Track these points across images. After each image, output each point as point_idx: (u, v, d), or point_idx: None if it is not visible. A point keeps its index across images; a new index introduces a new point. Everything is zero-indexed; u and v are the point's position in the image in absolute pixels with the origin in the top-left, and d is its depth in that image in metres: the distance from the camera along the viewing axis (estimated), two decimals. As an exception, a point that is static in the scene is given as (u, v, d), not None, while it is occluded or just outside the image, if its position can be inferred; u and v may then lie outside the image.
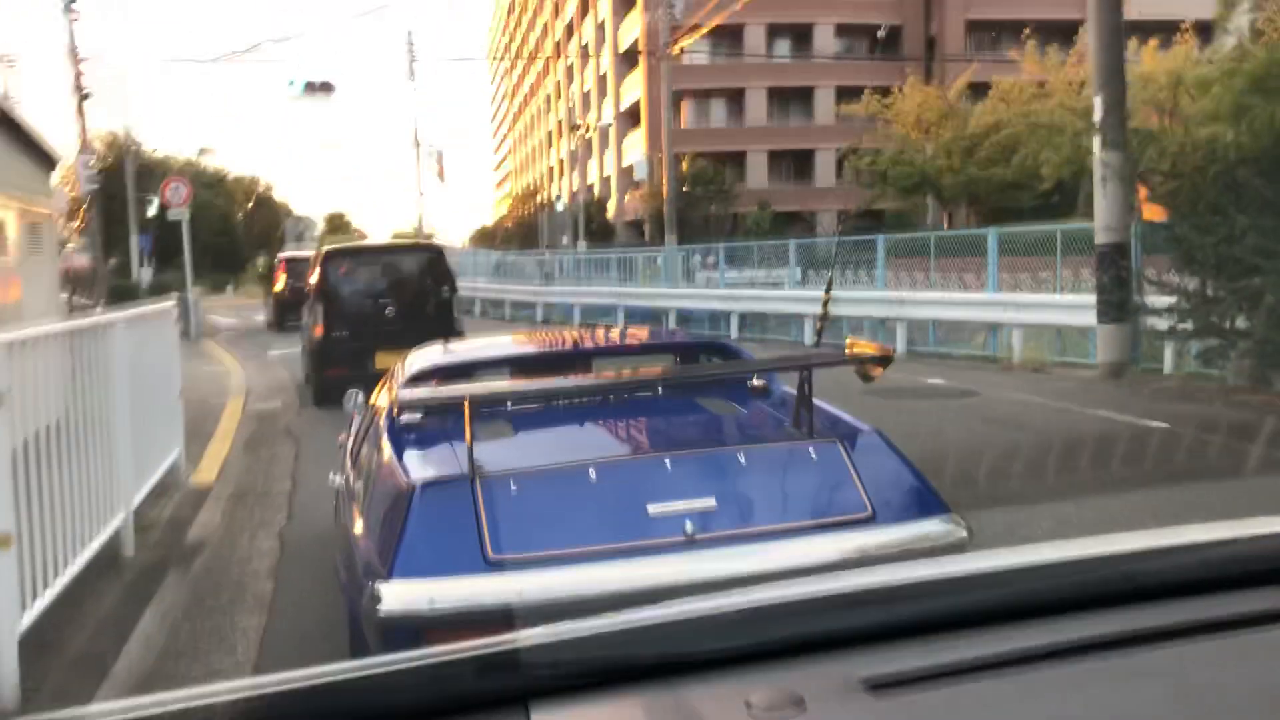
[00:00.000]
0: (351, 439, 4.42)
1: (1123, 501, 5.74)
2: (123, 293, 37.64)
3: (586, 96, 65.60)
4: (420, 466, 3.07)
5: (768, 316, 18.09)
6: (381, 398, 3.98)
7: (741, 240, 44.77)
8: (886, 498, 2.94)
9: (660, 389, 3.78)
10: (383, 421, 3.53)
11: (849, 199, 54.83)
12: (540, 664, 0.97)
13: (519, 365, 4.21)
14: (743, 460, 3.06)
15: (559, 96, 75.87)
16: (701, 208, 49.10)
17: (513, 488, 2.84)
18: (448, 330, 11.12)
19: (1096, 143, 11.59)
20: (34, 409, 4.36)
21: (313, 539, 5.74)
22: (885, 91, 35.82)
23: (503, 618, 2.56)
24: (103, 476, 5.18)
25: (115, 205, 44.98)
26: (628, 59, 58.85)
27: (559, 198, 46.81)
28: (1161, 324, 10.68)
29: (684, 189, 50.16)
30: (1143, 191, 14.64)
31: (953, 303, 14.07)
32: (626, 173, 60.35)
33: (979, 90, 35.76)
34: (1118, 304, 11.23)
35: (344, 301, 11.74)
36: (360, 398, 4.85)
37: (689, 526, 2.75)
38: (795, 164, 56.21)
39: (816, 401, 3.24)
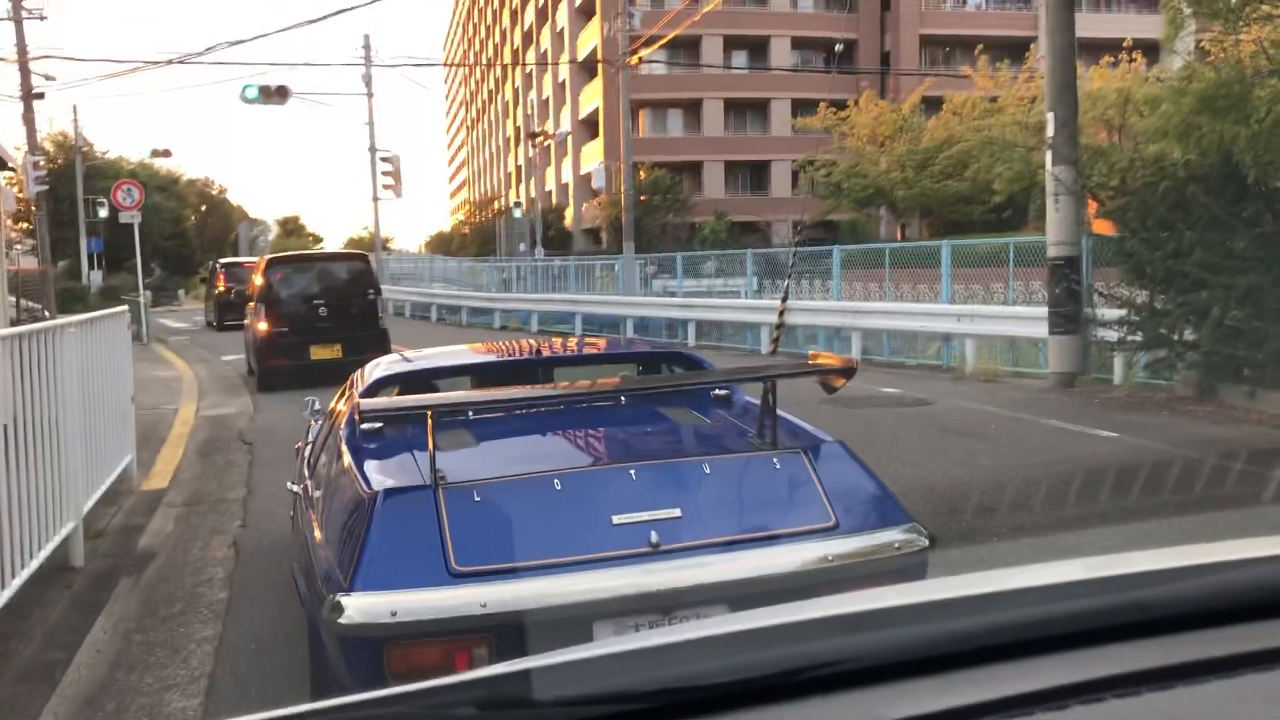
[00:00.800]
0: (309, 447, 4.38)
1: (1077, 509, 5.83)
2: (72, 296, 37.03)
3: (545, 104, 65.58)
4: (382, 475, 3.02)
5: (724, 325, 18.17)
6: (341, 406, 3.95)
7: (699, 249, 45.06)
8: (849, 507, 2.95)
9: (623, 398, 3.79)
10: (343, 430, 3.48)
11: (804, 209, 55.24)
12: (544, 700, 0.92)
13: (480, 375, 4.18)
14: (707, 470, 3.01)
15: (517, 104, 75.73)
16: (659, 216, 49.29)
17: (476, 498, 2.80)
18: (372, 328, 13.41)
19: (1049, 158, 11.79)
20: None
21: (268, 547, 5.67)
22: (840, 105, 36.21)
23: (466, 630, 2.60)
24: (52, 484, 5.08)
25: (65, 207, 44.23)
26: (586, 69, 58.93)
27: (517, 205, 46.61)
28: (1111, 335, 10.88)
29: (641, 198, 50.29)
30: (1092, 206, 14.91)
31: (907, 313, 14.22)
32: (584, 181, 60.37)
33: (932, 105, 36.25)
34: (1069, 316, 11.41)
35: (283, 303, 13.34)
36: (317, 404, 4.84)
37: (654, 536, 2.74)
38: (751, 174, 56.57)
39: (780, 412, 3.25)
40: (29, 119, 29.70)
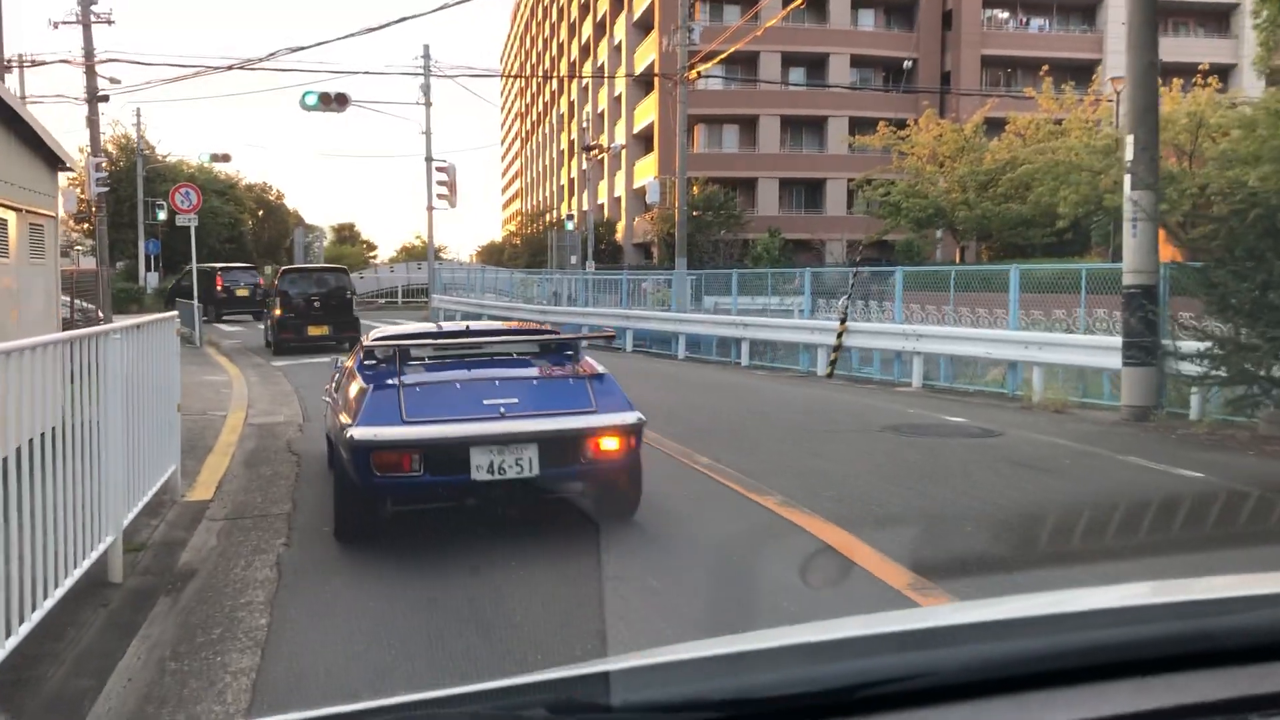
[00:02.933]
0: (334, 382, 7.16)
1: (1173, 558, 5.42)
2: (128, 298, 37.49)
3: (600, 118, 65.62)
4: (373, 380, 5.87)
5: (778, 345, 17.79)
6: (349, 362, 6.86)
7: (750, 266, 44.74)
8: (603, 402, 5.82)
9: (515, 354, 6.61)
10: (354, 364, 6.41)
11: (859, 228, 54.61)
12: (616, 705, 0.97)
13: (434, 337, 6.81)
14: (535, 384, 6.03)
15: (572, 117, 75.89)
16: (712, 232, 48.99)
17: (418, 390, 5.71)
18: (349, 316, 20.83)
19: (1127, 182, 11.31)
20: (22, 420, 4.07)
21: (312, 569, 5.43)
22: (901, 124, 35.67)
23: (408, 446, 5.37)
24: (92, 494, 4.88)
25: (125, 209, 44.89)
26: (642, 83, 58.90)
27: (570, 217, 46.54)
28: (1191, 369, 10.38)
29: (694, 213, 49.98)
30: (1160, 233, 14.37)
31: (972, 338, 13.76)
32: (637, 195, 60.24)
33: (994, 126, 35.62)
34: (1145, 347, 10.92)
35: (291, 297, 20.63)
36: (340, 361, 7.63)
37: (502, 409, 5.58)
38: (806, 192, 56.12)
39: (593, 360, 6.41)
40: (93, 121, 30.10)
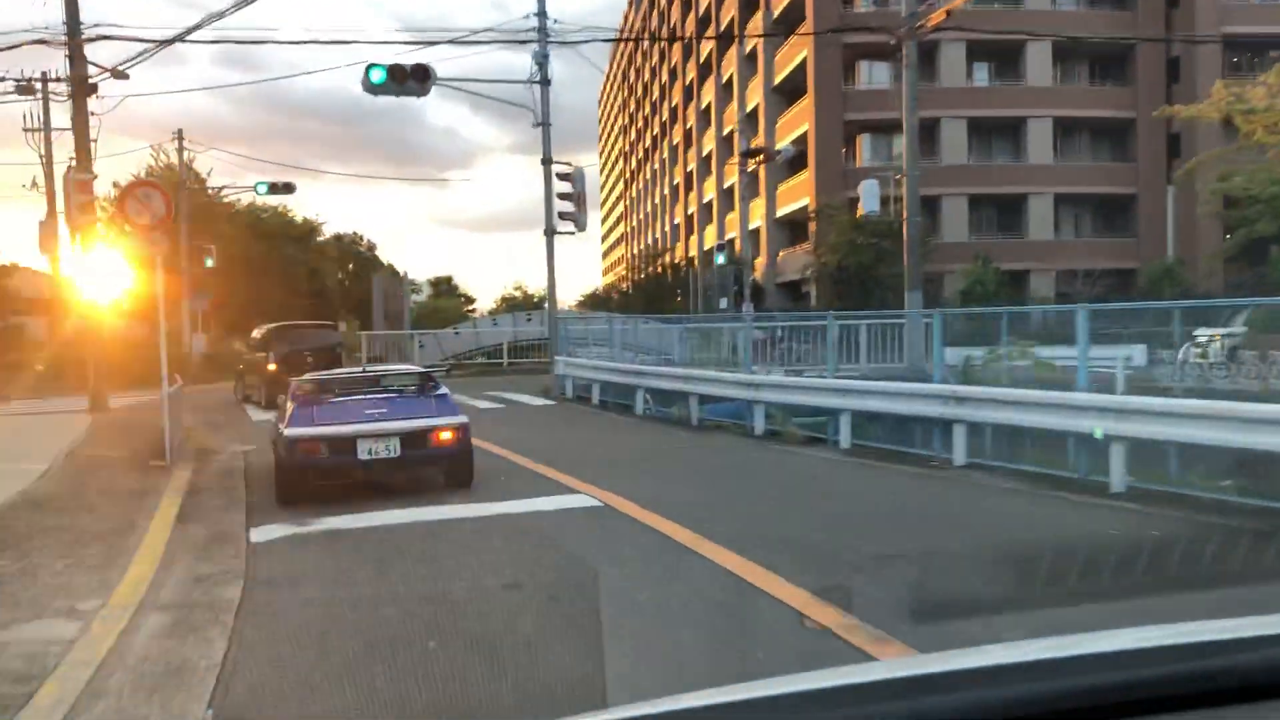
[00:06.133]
0: (278, 412, 11.38)
1: None
2: (133, 366, 28.52)
3: (727, 140, 55.79)
4: (298, 401, 10.48)
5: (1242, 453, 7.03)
6: (289, 391, 11.10)
7: (960, 304, 34.05)
8: (442, 412, 10.45)
9: (398, 384, 11.49)
10: (290, 393, 10.84)
11: (1071, 255, 43.54)
12: None
13: (345, 377, 11.74)
14: (401, 401, 10.67)
15: (689, 146, 66.54)
16: (891, 263, 38.40)
17: (328, 407, 10.35)
18: (337, 366, 23.01)
19: None
20: None
21: None
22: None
23: (318, 439, 9.81)
24: None
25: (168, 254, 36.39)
26: (784, 93, 49.09)
27: (720, 248, 36.39)
28: None
29: (872, 240, 39.62)
30: None
31: None
32: (778, 225, 50.32)
33: None
34: None
35: (285, 353, 22.49)
36: (282, 399, 11.43)
37: (379, 415, 10.12)
38: (999, 212, 45.16)
39: (445, 390, 11.25)
40: (80, 122, 21.11)
